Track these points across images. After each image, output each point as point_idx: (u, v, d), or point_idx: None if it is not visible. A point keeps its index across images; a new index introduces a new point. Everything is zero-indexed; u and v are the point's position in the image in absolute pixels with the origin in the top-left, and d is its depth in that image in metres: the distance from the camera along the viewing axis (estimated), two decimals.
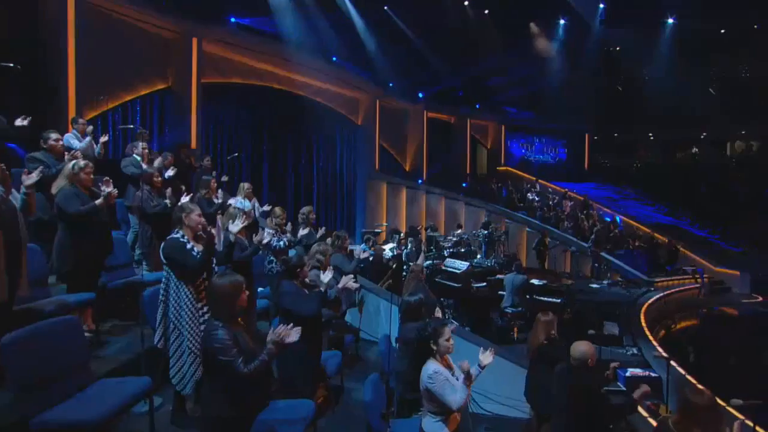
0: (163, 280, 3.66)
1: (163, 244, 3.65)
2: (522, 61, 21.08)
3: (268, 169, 15.86)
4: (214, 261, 4.05)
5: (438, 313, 4.93)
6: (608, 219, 17.31)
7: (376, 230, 14.91)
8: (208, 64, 12.56)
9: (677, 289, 12.80)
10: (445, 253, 11.75)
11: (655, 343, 8.07)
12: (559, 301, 8.16)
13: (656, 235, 16.00)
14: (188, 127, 11.83)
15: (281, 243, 5.73)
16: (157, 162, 6.47)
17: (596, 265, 13.51)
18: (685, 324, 12.25)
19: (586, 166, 23.96)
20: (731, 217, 19.90)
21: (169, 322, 3.58)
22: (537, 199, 17.82)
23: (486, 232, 14.48)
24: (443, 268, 8.83)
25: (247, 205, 6.99)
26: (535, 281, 8.54)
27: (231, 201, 7.00)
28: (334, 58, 16.57)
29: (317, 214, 18.00)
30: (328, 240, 6.49)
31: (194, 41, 11.81)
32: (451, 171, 20.35)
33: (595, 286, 12.70)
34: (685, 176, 23.77)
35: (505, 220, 16.67)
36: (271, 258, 5.79)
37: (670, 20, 19.27)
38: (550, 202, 17.82)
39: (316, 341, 4.04)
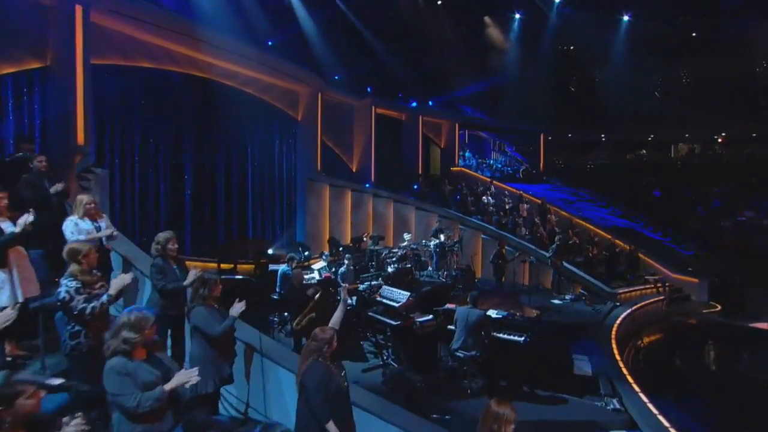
0: None
1: None
2: (476, 56, 19.48)
3: (191, 171, 13.32)
4: None
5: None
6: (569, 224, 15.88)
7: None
8: (100, 41, 9.94)
9: (644, 303, 11.39)
10: (390, 268, 9.72)
11: (637, 387, 6.39)
12: (521, 339, 6.30)
13: (617, 241, 14.66)
14: (71, 119, 9.16)
15: (91, 306, 3.39)
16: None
17: (557, 276, 11.93)
18: (651, 338, 10.87)
19: (541, 167, 22.67)
20: (680, 219, 19.15)
21: None
22: (492, 202, 16.16)
23: (437, 241, 12.60)
24: (379, 299, 6.81)
25: (87, 226, 4.65)
26: (493, 313, 6.64)
27: (67, 221, 4.66)
28: (270, 43, 14.23)
29: (253, 220, 15.98)
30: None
31: (78, 10, 9.14)
32: (402, 172, 18.39)
33: (557, 302, 11.09)
34: (635, 178, 23.06)
35: (459, 227, 14.88)
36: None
37: (626, 17, 18.10)
38: (506, 206, 16.22)
39: None
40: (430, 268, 12.72)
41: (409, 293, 6.63)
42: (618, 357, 7.66)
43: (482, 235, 14.67)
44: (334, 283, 7.70)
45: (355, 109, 17.44)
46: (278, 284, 7.85)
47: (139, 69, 11.48)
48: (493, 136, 22.44)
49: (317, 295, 6.85)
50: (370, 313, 6.80)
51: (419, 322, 6.59)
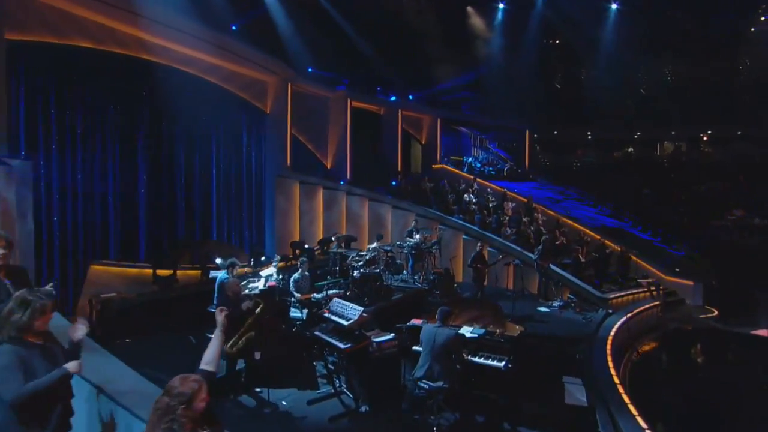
0: None
1: None
2: (459, 48, 18.22)
3: (145, 167, 11.80)
4: None
5: None
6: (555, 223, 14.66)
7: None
8: (21, 13, 8.47)
9: (639, 309, 10.15)
10: (356, 274, 8.35)
11: (642, 423, 5.09)
12: (501, 365, 4.97)
13: (607, 242, 13.45)
14: None
15: None
16: None
17: (544, 280, 10.66)
18: (647, 348, 9.63)
19: (526, 164, 21.47)
20: (669, 218, 18.09)
21: None
22: (475, 200, 14.88)
23: (413, 241, 11.26)
24: (327, 314, 5.43)
25: None
26: (467, 331, 5.31)
27: None
28: (234, 27, 12.79)
29: (218, 221, 14.46)
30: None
31: None
32: (381, 169, 17.04)
33: (543, 309, 9.80)
34: (622, 176, 22.01)
35: (439, 226, 13.57)
36: None
37: (614, 5, 16.97)
38: (490, 204, 14.94)
39: None
40: (405, 273, 11.37)
41: (362, 308, 5.26)
42: (616, 379, 6.37)
43: (463, 236, 13.38)
44: (275, 293, 6.31)
45: (330, 102, 16.05)
46: (215, 295, 6.44)
47: (80, 50, 9.98)
48: (475, 132, 21.16)
49: (257, 309, 5.46)
50: (316, 333, 5.41)
51: (377, 342, 5.23)
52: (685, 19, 20.95)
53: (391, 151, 17.78)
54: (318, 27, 15.21)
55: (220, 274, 6.51)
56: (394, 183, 16.63)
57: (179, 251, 10.98)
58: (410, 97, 18.72)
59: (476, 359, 5.12)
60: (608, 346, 7.84)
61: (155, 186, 11.92)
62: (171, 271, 8.04)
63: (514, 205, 15.07)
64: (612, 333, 8.55)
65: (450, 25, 18.37)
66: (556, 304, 9.95)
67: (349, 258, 8.91)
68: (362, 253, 9.24)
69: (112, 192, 10.98)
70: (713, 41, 22.01)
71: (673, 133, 25.75)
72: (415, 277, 10.96)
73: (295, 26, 14.31)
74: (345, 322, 5.11)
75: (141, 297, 7.16)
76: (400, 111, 17.78)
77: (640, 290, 11.91)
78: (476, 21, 18.94)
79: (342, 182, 15.10)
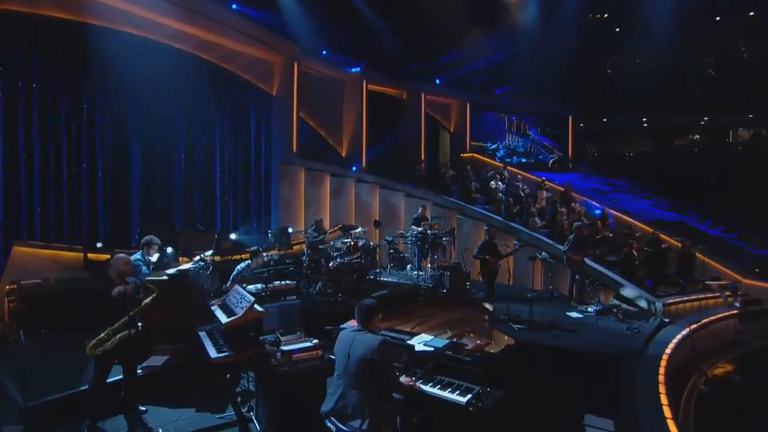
0: None
1: None
2: (492, 23, 15.96)
3: (140, 152, 10.72)
4: None
5: None
6: (598, 214, 12.05)
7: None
8: None
9: (708, 319, 7.51)
10: (331, 264, 6.54)
11: None
12: (464, 400, 2.94)
13: (664, 236, 10.70)
14: None
15: None
16: None
17: (577, 278, 8.28)
18: (720, 372, 6.99)
19: (569, 154, 18.65)
20: (743, 213, 14.65)
21: None
22: (503, 188, 12.58)
23: (418, 230, 9.29)
24: (214, 308, 3.68)
25: None
26: (419, 342, 3.35)
27: None
28: (234, 6, 11.55)
29: (223, 210, 13.23)
30: None
31: None
32: (401, 158, 15.15)
33: (575, 315, 7.45)
34: (685, 166, 18.56)
35: (458, 216, 11.47)
36: None
37: None
38: (521, 193, 12.57)
39: None
40: (409, 267, 9.43)
41: (253, 299, 3.46)
42: (671, 419, 4.10)
43: (485, 227, 11.16)
44: (187, 280, 4.68)
45: (345, 85, 14.43)
46: None
47: (54, 20, 9.02)
48: (511, 117, 18.67)
49: (147, 300, 3.82)
50: (199, 333, 3.68)
51: (284, 351, 3.39)
52: None
53: (413, 139, 15.84)
54: (332, 4, 13.67)
55: (134, 255, 4.97)
56: (415, 173, 14.69)
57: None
58: (437, 81, 16.72)
59: (427, 388, 3.13)
60: (661, 368, 5.47)
61: (150, 172, 10.83)
62: (109, 256, 6.69)
63: (549, 194, 12.60)
64: (668, 350, 6.12)
65: None
66: (591, 308, 7.56)
67: (328, 246, 7.14)
68: (345, 241, 7.42)
69: (102, 177, 9.98)
70: None
71: (750, 116, 21.66)
72: (421, 272, 9.01)
73: (307, 3, 12.85)
74: (224, 318, 3.34)
75: (60, 284, 5.84)
76: (423, 95, 15.80)
77: (710, 295, 9.15)
78: None
79: (354, 169, 13.39)
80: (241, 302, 3.54)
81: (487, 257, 7.10)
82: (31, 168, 8.72)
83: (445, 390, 3.09)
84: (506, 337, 3.64)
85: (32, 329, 5.13)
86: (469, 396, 2.97)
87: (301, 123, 13.56)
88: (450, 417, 3.13)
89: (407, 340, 3.46)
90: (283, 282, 5.49)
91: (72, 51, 9.15)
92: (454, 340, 3.66)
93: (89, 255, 6.95)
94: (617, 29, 19.33)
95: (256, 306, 3.47)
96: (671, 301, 8.49)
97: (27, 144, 8.73)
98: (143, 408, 4.03)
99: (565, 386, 4.63)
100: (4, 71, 8.44)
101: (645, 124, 21.59)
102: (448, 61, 16.28)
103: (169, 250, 6.49)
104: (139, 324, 3.84)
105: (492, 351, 3.39)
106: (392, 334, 3.54)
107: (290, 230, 8.04)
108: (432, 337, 3.47)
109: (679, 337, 6.65)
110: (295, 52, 12.48)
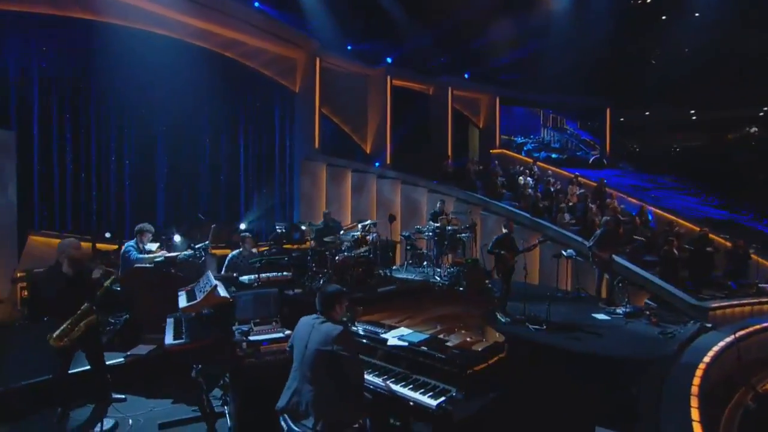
0: None
1: None
2: (523, 14, 15.19)
3: (165, 146, 10.90)
4: None
5: None
6: (634, 212, 11.08)
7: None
8: None
9: (759, 326, 6.58)
10: (337, 258, 6.24)
11: None
12: (432, 403, 2.47)
13: (712, 236, 9.64)
14: None
15: None
16: None
17: (607, 276, 7.53)
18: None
19: (607, 149, 17.47)
20: None
21: None
22: (531, 183, 11.86)
23: (435, 225, 8.84)
24: (179, 293, 3.43)
25: None
26: (395, 336, 2.96)
27: None
28: (257, 4, 11.57)
29: (246, 207, 13.29)
30: None
31: None
32: (427, 155, 14.69)
33: (601, 317, 6.74)
34: (738, 161, 16.90)
35: (481, 212, 10.90)
36: None
37: None
38: (551, 188, 11.80)
39: None
40: (425, 264, 8.99)
41: (215, 282, 3.19)
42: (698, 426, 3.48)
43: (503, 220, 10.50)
44: (165, 268, 4.49)
45: (369, 81, 14.18)
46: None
47: (83, 21, 9.29)
48: (546, 112, 17.73)
49: (106, 282, 3.68)
50: (168, 319, 3.46)
51: (250, 341, 3.11)
52: None
53: (440, 135, 15.34)
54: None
55: (126, 243, 4.88)
56: (442, 169, 14.15)
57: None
58: (466, 75, 16.14)
59: (397, 387, 2.74)
60: (696, 378, 4.76)
61: (175, 166, 10.99)
62: (116, 247, 6.73)
63: (581, 191, 11.76)
64: (707, 358, 5.36)
65: None
66: (620, 310, 6.82)
67: (335, 238, 6.85)
68: (354, 234, 7.10)
69: (129, 173, 10.22)
70: None
71: None
72: (438, 269, 8.55)
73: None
74: (184, 305, 3.09)
75: (39, 273, 5.83)
76: (450, 89, 15.27)
77: (764, 300, 8.12)
78: None
79: (377, 163, 13.09)
80: (205, 287, 3.31)
81: (502, 252, 6.56)
82: (63, 163, 9.04)
83: (417, 391, 2.69)
84: (497, 334, 3.18)
85: (35, 316, 5.16)
86: (442, 399, 2.56)
87: (326, 120, 13.44)
88: (426, 422, 2.73)
89: (383, 333, 3.08)
90: (279, 273, 5.23)
91: (101, 50, 9.41)
92: (442, 336, 3.25)
93: (98, 245, 7.04)
94: (663, 16, 17.93)
95: (220, 291, 3.21)
96: (716, 305, 7.58)
97: (60, 138, 9.05)
98: (122, 396, 3.89)
99: (575, 394, 4.07)
100: (41, 67, 8.81)
101: (694, 117, 19.94)
102: (477, 54, 15.64)
103: (177, 238, 6.43)
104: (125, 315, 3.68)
105: (477, 349, 2.95)
106: (368, 327, 3.18)
107: (303, 227, 7.79)
108: (409, 331, 3.08)
109: (722, 344, 5.83)
110: (316, 47, 12.36)
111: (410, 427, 2.96)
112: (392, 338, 2.98)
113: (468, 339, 3.26)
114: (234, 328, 3.43)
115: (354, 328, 3.14)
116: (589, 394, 4.14)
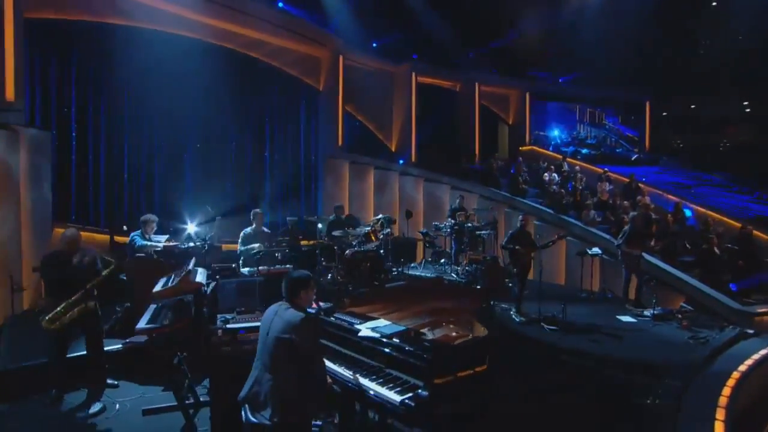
0: None
1: None
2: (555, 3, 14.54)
3: (191, 148, 11.18)
4: None
5: None
6: (670, 209, 10.28)
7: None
8: None
9: None
10: (347, 252, 6.14)
11: None
12: (396, 399, 2.29)
13: (758, 233, 8.78)
14: None
15: None
16: None
17: (633, 276, 6.97)
18: None
19: (646, 144, 16.42)
20: None
21: None
22: (558, 180, 11.29)
23: (452, 222, 8.56)
24: (165, 281, 3.39)
25: None
26: (368, 327, 2.79)
27: None
28: (281, 4, 11.71)
29: (271, 205, 13.44)
30: None
31: None
32: (454, 153, 14.36)
33: (627, 319, 6.24)
34: None
35: (505, 209, 10.49)
36: None
37: None
38: (579, 185, 11.18)
39: None
40: (443, 261, 8.73)
41: (191, 267, 3.11)
42: None
43: (535, 221, 10.05)
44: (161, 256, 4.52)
45: (393, 79, 14.04)
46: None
47: (110, 26, 9.68)
48: (582, 107, 16.89)
49: (105, 272, 3.74)
50: (151, 305, 3.44)
51: (227, 329, 3.04)
52: None
53: (468, 132, 14.96)
54: None
55: (132, 233, 4.99)
56: (473, 167, 13.75)
57: None
58: (493, 71, 15.65)
59: (365, 381, 2.56)
60: (727, 388, 4.26)
61: (201, 166, 11.28)
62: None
63: (611, 187, 11.07)
64: (743, 367, 4.80)
65: None
66: (648, 312, 6.29)
67: (346, 233, 6.75)
68: (365, 229, 6.97)
69: (157, 173, 10.56)
70: None
71: None
72: (457, 267, 8.27)
73: None
74: (158, 289, 3.05)
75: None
76: (478, 86, 14.87)
77: None
78: None
79: (401, 160, 12.91)
80: (181, 273, 3.27)
81: (517, 248, 6.20)
82: (97, 160, 9.48)
83: (385, 385, 2.51)
84: (482, 328, 2.94)
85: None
86: (409, 395, 2.37)
87: (350, 119, 13.42)
88: (399, 420, 2.54)
89: (358, 324, 2.92)
90: (284, 266, 5.19)
91: (134, 54, 9.78)
92: (426, 329, 3.05)
93: (116, 237, 7.29)
94: (713, 2, 16.64)
95: (195, 276, 3.16)
96: (761, 310, 6.86)
97: (95, 137, 9.49)
98: (115, 382, 3.94)
99: (576, 399, 3.73)
100: (79, 71, 9.28)
101: (747, 110, 18.40)
102: (505, 48, 15.13)
103: (192, 230, 6.54)
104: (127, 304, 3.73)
105: (455, 343, 2.73)
106: (344, 317, 3.02)
107: (319, 225, 7.75)
108: (387, 323, 2.90)
109: (763, 352, 5.24)
110: (339, 45, 12.35)
111: (387, 424, 2.78)
112: (365, 329, 2.81)
113: (453, 334, 3.03)
114: (219, 316, 3.39)
115: (330, 319, 3.00)
116: (594, 402, 3.78)
